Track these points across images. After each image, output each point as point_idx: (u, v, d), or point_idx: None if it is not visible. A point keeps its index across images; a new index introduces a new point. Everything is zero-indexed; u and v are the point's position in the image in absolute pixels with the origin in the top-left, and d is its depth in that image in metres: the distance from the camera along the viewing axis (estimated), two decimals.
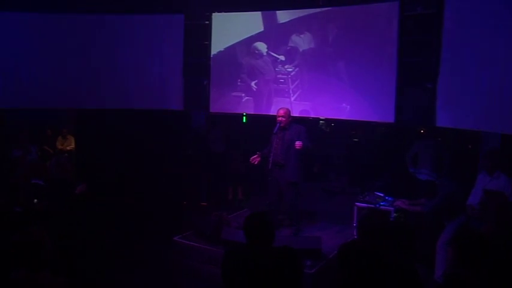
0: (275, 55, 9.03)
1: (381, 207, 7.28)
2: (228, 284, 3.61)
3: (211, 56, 9.57)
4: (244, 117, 9.78)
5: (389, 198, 7.36)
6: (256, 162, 7.64)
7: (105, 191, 8.78)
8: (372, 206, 7.33)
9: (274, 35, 9.08)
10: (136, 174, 9.60)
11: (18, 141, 8.51)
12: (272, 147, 7.43)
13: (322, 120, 9.52)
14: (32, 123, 9.78)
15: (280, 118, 7.45)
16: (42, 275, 3.25)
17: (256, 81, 9.26)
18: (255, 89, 9.27)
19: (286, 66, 8.93)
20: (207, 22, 9.51)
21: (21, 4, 9.21)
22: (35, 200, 5.77)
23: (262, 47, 9.16)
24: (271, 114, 8.82)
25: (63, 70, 9.50)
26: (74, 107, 9.92)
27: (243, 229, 3.64)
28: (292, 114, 7.74)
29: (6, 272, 3.32)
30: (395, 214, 7.03)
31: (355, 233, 7.20)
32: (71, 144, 10.75)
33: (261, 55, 9.16)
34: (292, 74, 8.89)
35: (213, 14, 9.45)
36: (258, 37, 9.19)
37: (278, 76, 9.03)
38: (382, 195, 7.57)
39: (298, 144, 7.21)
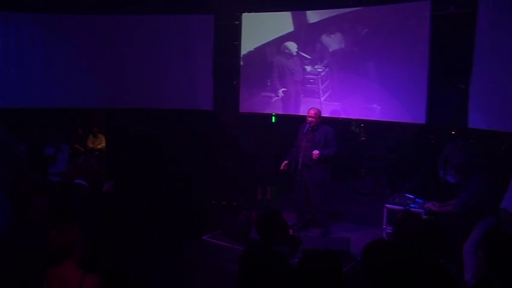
0: (305, 55, 9.00)
1: (411, 209, 7.19)
2: (240, 281, 3.70)
3: (241, 56, 9.60)
4: (273, 117, 9.76)
5: (420, 201, 7.27)
6: (285, 164, 7.66)
7: (134, 189, 8.87)
8: (402, 207, 7.25)
9: (304, 35, 9.06)
10: (165, 173, 9.67)
11: (50, 140, 8.64)
12: (301, 148, 7.40)
13: (352, 121, 9.46)
14: (63, 122, 9.93)
15: (310, 119, 7.42)
16: (76, 271, 3.31)
17: (285, 81, 9.24)
18: (284, 89, 9.25)
19: (316, 67, 8.90)
20: (237, 22, 9.55)
21: (58, 6, 9.37)
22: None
23: (292, 46, 9.16)
24: (300, 114, 8.80)
25: (95, 70, 9.65)
26: (105, 107, 10.05)
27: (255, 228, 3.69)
28: (322, 115, 7.71)
29: (43, 267, 3.40)
30: (425, 216, 6.95)
31: (384, 235, 7.15)
32: (101, 143, 10.90)
33: (291, 55, 9.15)
34: (322, 74, 8.85)
35: (243, 14, 9.48)
36: (287, 37, 9.19)
37: (308, 76, 9.00)
38: (412, 197, 7.47)
39: (315, 154, 7.21)
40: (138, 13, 9.67)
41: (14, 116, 8.93)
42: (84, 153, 9.86)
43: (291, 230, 6.85)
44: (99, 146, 10.85)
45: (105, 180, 6.09)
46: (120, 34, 9.70)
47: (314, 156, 7.20)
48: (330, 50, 8.77)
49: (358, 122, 9.85)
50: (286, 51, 9.18)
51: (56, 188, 7.33)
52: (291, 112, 9.21)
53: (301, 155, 7.33)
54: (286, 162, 7.65)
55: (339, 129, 8.11)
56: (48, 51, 9.54)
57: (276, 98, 9.35)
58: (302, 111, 8.85)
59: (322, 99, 8.83)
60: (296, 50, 9.09)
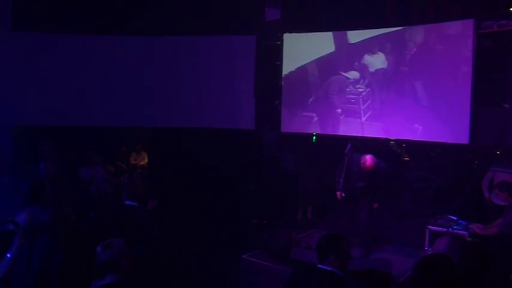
0: (346, 75, 9.01)
1: (454, 230, 7.08)
2: None
3: (283, 76, 9.68)
4: (314, 137, 9.78)
5: (463, 222, 7.15)
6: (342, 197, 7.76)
7: (176, 207, 8.98)
8: (445, 229, 7.14)
9: (345, 55, 9.09)
10: (206, 192, 9.77)
11: (87, 160, 8.88)
12: (356, 183, 7.53)
13: (393, 141, 9.39)
14: (108, 140, 10.18)
15: (366, 169, 7.48)
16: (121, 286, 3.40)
17: (327, 101, 9.26)
18: (325, 109, 9.27)
19: (357, 87, 8.90)
20: (278, 43, 9.65)
21: (109, 28, 9.71)
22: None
23: (333, 67, 9.18)
24: (340, 134, 8.82)
25: (141, 89, 9.88)
26: (149, 126, 10.27)
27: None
28: (362, 135, 7.74)
29: (89, 281, 3.50)
30: (469, 239, 6.82)
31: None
32: (144, 160, 11.10)
33: (332, 75, 9.17)
34: (363, 94, 8.84)
35: (285, 34, 9.59)
36: (329, 57, 9.24)
37: (349, 96, 9.01)
38: (455, 218, 7.36)
39: (375, 206, 7.53)
40: (183, 34, 9.89)
41: (60, 133, 9.24)
42: (127, 171, 10.03)
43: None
44: (141, 163, 11.05)
45: (150, 198, 6.18)
46: (165, 54, 9.93)
47: (374, 207, 7.41)
48: (371, 69, 8.76)
49: (400, 142, 9.76)
50: (328, 71, 9.21)
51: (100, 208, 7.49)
52: (332, 132, 9.22)
53: (354, 188, 7.47)
54: (340, 193, 7.74)
55: (380, 149, 8.09)
56: (92, 71, 9.85)
57: (317, 117, 9.38)
58: (343, 131, 8.87)
59: (363, 119, 8.82)
60: (337, 70, 9.11)
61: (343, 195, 7.81)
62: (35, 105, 9.56)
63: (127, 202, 5.49)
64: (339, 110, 9.16)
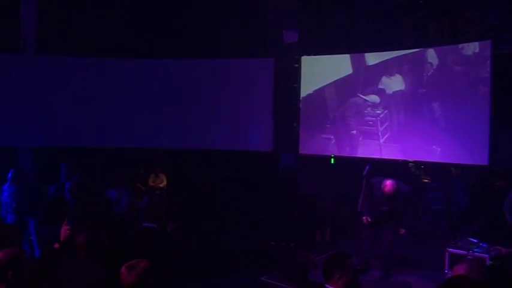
0: (364, 97, 9.03)
1: (475, 253, 6.99)
2: None
3: (301, 98, 9.72)
4: (332, 159, 9.78)
5: (484, 245, 7.06)
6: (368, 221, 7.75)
7: (194, 229, 9.01)
8: (465, 252, 7.06)
9: (363, 77, 9.12)
10: (224, 214, 9.79)
11: (114, 181, 8.98)
12: (380, 208, 7.55)
13: (411, 163, 9.35)
14: (127, 162, 10.29)
15: (388, 194, 7.48)
16: None
17: (344, 123, 9.28)
18: (343, 131, 9.28)
19: (375, 109, 8.90)
20: (296, 65, 9.72)
21: (118, 52, 9.89)
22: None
23: (351, 89, 9.21)
24: (358, 156, 8.81)
25: (158, 111, 10.01)
26: (167, 147, 10.36)
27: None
28: (381, 157, 7.72)
29: None
30: (491, 262, 6.73)
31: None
32: (162, 182, 11.15)
33: (349, 97, 9.20)
34: (381, 116, 8.84)
35: (302, 57, 9.65)
36: (346, 79, 9.26)
37: (367, 118, 9.01)
38: (475, 241, 7.28)
39: (402, 232, 7.51)
40: (201, 57, 10.02)
41: (81, 155, 9.38)
42: (146, 192, 10.09)
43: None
44: (160, 185, 11.10)
45: (170, 220, 6.22)
46: (183, 76, 10.06)
47: (401, 233, 7.43)
48: (389, 91, 8.77)
49: (418, 163, 9.72)
50: (345, 94, 9.24)
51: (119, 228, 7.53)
52: (350, 154, 9.20)
53: (379, 212, 7.50)
54: (366, 218, 7.72)
55: (399, 171, 8.06)
56: (112, 93, 10.02)
57: (335, 139, 9.38)
58: (361, 153, 8.87)
59: (381, 141, 8.80)
60: (355, 92, 9.14)
61: (369, 219, 7.78)
62: (56, 127, 9.74)
63: (146, 224, 5.54)
64: (357, 132, 9.15)
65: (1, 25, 9.68)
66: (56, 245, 4.34)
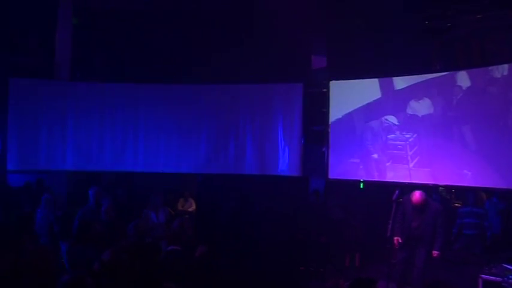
0: (393, 121, 9.00)
1: (510, 280, 6.80)
2: None
3: (330, 123, 9.73)
4: (361, 184, 9.72)
5: None
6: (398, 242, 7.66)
7: (222, 253, 9.01)
8: (500, 279, 6.88)
9: (391, 101, 9.10)
10: (253, 238, 9.77)
11: (151, 204, 9.08)
12: (411, 225, 7.44)
13: (442, 187, 9.23)
14: (157, 186, 10.41)
15: (417, 205, 7.39)
16: None
17: (374, 147, 9.24)
18: (372, 156, 9.24)
19: (404, 133, 8.85)
20: (325, 90, 9.75)
21: (151, 77, 10.12)
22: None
23: (380, 113, 9.19)
24: (388, 181, 8.75)
25: (188, 135, 10.16)
26: (196, 172, 10.46)
27: None
28: (410, 181, 7.64)
29: None
30: None
31: None
32: (191, 206, 11.22)
33: (378, 122, 9.18)
34: (410, 140, 8.78)
35: (331, 82, 9.68)
36: (375, 104, 9.25)
37: (396, 142, 8.95)
38: (510, 267, 7.08)
39: (435, 254, 7.30)
40: (229, 82, 10.18)
41: (111, 179, 9.55)
42: (176, 216, 10.18)
43: None
44: (189, 209, 11.17)
45: (198, 245, 6.26)
46: (211, 102, 10.23)
47: (434, 255, 7.28)
48: (418, 115, 8.72)
49: (449, 188, 9.58)
50: (374, 119, 9.23)
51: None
52: (379, 178, 9.15)
53: (410, 232, 7.39)
54: (397, 238, 7.63)
55: (429, 196, 7.94)
56: (145, 119, 10.23)
57: (364, 164, 9.34)
58: (390, 178, 8.81)
59: (411, 165, 8.73)
60: (383, 116, 9.11)
61: (400, 240, 7.67)
62: (89, 152, 9.98)
63: (170, 247, 5.60)
64: (386, 157, 9.10)
65: (37, 51, 10.04)
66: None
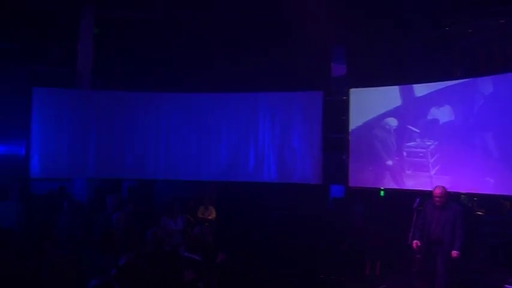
0: (413, 129, 8.93)
1: None
2: None
3: (350, 130, 9.70)
4: (382, 192, 9.66)
5: None
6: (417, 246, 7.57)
7: (242, 261, 9.00)
8: None
9: (412, 108, 9.04)
10: (273, 246, 9.76)
11: (170, 211, 9.12)
12: (430, 227, 7.31)
13: (463, 195, 9.12)
14: (178, 194, 10.47)
15: (437, 198, 7.30)
16: None
17: (394, 155, 9.18)
18: (393, 164, 9.18)
19: (425, 140, 8.78)
20: (345, 98, 9.73)
21: (174, 85, 10.20)
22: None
23: (400, 120, 9.13)
24: (409, 189, 8.68)
25: (207, 143, 10.21)
26: (216, 180, 10.50)
27: None
28: (431, 189, 7.54)
29: None
30: None
31: None
32: (212, 214, 11.23)
33: (399, 129, 9.12)
34: (431, 147, 8.70)
35: (351, 89, 9.66)
36: (395, 111, 9.19)
37: (417, 150, 8.88)
38: None
39: (454, 254, 7.09)
40: (249, 91, 10.21)
41: (132, 186, 9.61)
42: (195, 224, 10.21)
43: None
44: (209, 217, 11.18)
45: (219, 252, 6.26)
46: (230, 110, 10.29)
47: (454, 255, 7.09)
48: (440, 122, 8.64)
49: (471, 196, 9.46)
50: (394, 126, 9.17)
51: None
52: (400, 186, 9.08)
53: (430, 234, 7.25)
54: (416, 242, 7.53)
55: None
56: (169, 127, 10.34)
57: (385, 172, 9.28)
58: (411, 186, 8.74)
59: (432, 172, 8.65)
60: (404, 124, 9.05)
61: (419, 244, 7.57)
62: (110, 159, 10.09)
63: (186, 254, 5.62)
64: (407, 164, 9.03)
65: (59, 61, 10.19)
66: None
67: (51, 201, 9.97)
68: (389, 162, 9.25)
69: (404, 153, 9.05)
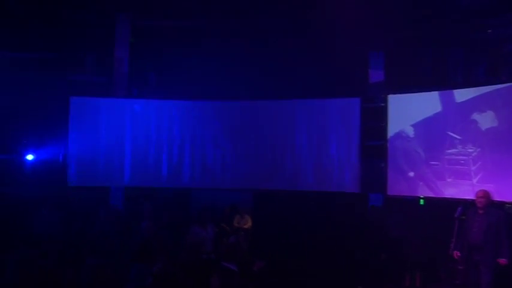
0: (454, 135, 8.70)
1: None
2: None
3: (388, 138, 9.53)
4: (421, 200, 9.43)
5: None
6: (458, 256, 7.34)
7: (279, 270, 8.90)
8: None
9: (452, 114, 8.81)
10: (310, 255, 9.63)
11: (200, 219, 9.10)
12: (471, 233, 7.07)
13: (508, 204, 8.83)
14: (214, 202, 10.45)
15: (479, 199, 7.08)
16: None
17: (434, 163, 8.96)
18: (432, 172, 8.95)
19: (467, 147, 8.54)
20: (383, 104, 9.57)
21: (210, 93, 10.19)
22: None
23: (440, 127, 8.91)
24: (450, 197, 8.45)
25: (244, 152, 10.16)
26: (253, 188, 10.43)
27: None
28: (474, 198, 7.31)
29: None
30: None
31: None
32: (247, 223, 11.15)
33: (439, 136, 8.90)
34: (473, 154, 8.45)
35: (389, 96, 9.50)
36: (435, 118, 8.98)
37: (458, 157, 8.64)
38: None
39: (502, 262, 6.83)
40: (283, 98, 10.13)
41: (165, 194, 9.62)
42: (231, 233, 10.16)
43: None
44: (245, 226, 11.09)
45: (256, 260, 6.20)
46: (265, 117, 10.25)
47: (502, 263, 6.84)
48: (482, 129, 8.38)
49: None
50: (434, 133, 8.96)
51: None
52: (440, 195, 8.85)
53: (470, 239, 7.02)
54: (457, 252, 7.31)
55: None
56: (203, 135, 10.32)
57: (425, 180, 9.06)
58: (452, 194, 8.52)
59: (474, 181, 8.38)
60: (445, 131, 8.82)
61: (459, 253, 7.34)
62: (146, 168, 10.12)
63: (224, 264, 5.56)
64: (448, 172, 8.80)
65: (95, 70, 10.29)
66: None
67: (88, 209, 10.05)
68: (428, 170, 9.02)
69: (445, 161, 8.81)
